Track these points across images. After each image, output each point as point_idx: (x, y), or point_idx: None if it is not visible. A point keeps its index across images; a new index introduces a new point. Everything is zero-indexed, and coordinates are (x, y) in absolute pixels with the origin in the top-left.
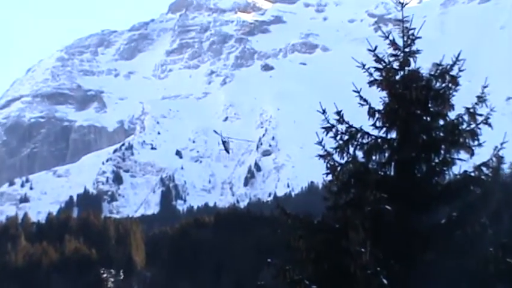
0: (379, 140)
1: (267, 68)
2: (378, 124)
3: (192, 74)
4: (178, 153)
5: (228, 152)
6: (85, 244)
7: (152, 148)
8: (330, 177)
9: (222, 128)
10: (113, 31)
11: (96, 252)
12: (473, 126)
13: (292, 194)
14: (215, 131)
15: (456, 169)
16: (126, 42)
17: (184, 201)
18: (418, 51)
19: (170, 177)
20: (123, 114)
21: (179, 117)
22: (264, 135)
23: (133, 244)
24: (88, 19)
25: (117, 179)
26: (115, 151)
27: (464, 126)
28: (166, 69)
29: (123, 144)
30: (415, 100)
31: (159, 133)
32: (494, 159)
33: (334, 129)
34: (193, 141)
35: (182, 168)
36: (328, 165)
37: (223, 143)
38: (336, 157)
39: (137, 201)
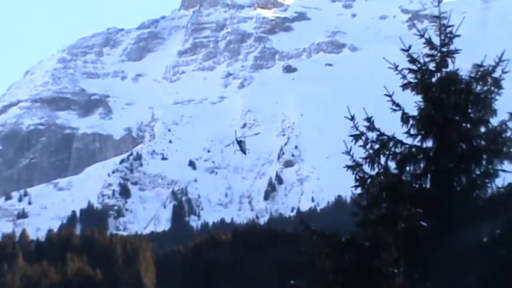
0: (414, 149)
1: (289, 69)
2: (412, 132)
3: (207, 76)
4: (192, 164)
5: (244, 152)
6: (89, 264)
7: (163, 158)
8: (359, 190)
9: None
10: (119, 29)
11: (101, 273)
12: None
13: (318, 208)
14: (236, 139)
15: (499, 181)
16: (134, 41)
17: (199, 216)
18: (456, 51)
19: (183, 191)
20: (131, 121)
21: (192, 124)
22: (286, 143)
23: (143, 264)
24: (92, 16)
25: (125, 193)
26: (122, 161)
27: (509, 133)
28: (179, 71)
29: (130, 154)
30: (454, 105)
31: (170, 142)
32: None
33: (363, 137)
34: (208, 151)
35: (196, 180)
36: (357, 177)
37: (239, 143)
38: (366, 168)
39: (146, 216)
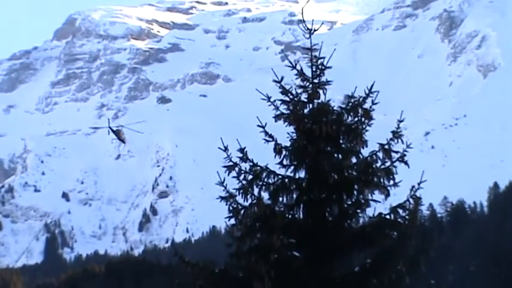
0: (287, 180)
1: (163, 100)
2: (285, 162)
3: (80, 107)
4: (65, 196)
5: (123, 141)
6: None
7: (36, 190)
8: (232, 220)
9: (114, 166)
10: None
11: None
12: (388, 164)
13: (192, 239)
14: (109, 127)
15: (370, 211)
16: (6, 72)
17: (72, 249)
18: (328, 82)
19: (56, 223)
20: (2, 153)
21: (66, 156)
22: (160, 175)
23: None
24: None
25: None
26: None
27: (379, 164)
28: (52, 102)
29: (2, 186)
30: (325, 136)
31: (43, 173)
32: (411, 200)
33: (237, 168)
34: (82, 182)
35: (69, 212)
36: (231, 207)
37: (114, 132)
38: (240, 199)
39: (19, 249)
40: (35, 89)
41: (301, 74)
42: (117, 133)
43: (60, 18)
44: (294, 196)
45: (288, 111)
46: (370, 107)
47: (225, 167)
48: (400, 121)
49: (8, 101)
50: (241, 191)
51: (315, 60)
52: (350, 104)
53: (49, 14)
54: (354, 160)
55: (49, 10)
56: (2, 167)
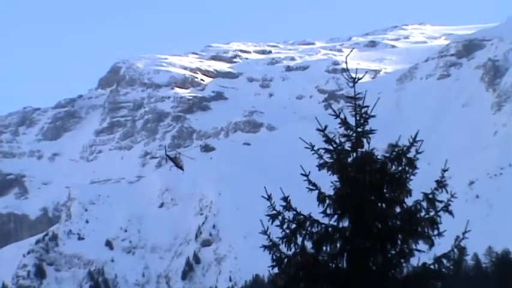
0: (330, 229)
1: (207, 148)
2: (328, 211)
3: (124, 155)
4: (109, 244)
5: (182, 169)
6: None
7: (79, 238)
8: (276, 269)
9: (158, 214)
10: (35, 108)
11: None
12: (432, 214)
13: None
14: (165, 152)
15: (414, 261)
16: (51, 120)
17: None
18: (372, 131)
19: (99, 271)
20: (47, 201)
21: (109, 204)
22: (203, 223)
23: None
24: (7, 95)
25: (40, 273)
26: (37, 242)
27: (423, 213)
28: (96, 150)
29: (46, 234)
30: (369, 185)
31: (87, 221)
32: (455, 250)
33: (280, 217)
34: (125, 231)
35: (113, 260)
36: (274, 256)
37: (172, 159)
38: (283, 248)
39: None
40: (80, 137)
41: (344, 122)
42: (175, 160)
43: (105, 67)
44: (338, 245)
45: (332, 160)
46: (414, 156)
47: (268, 215)
48: (445, 170)
49: (53, 149)
50: (285, 239)
51: (358, 109)
52: (394, 153)
53: (94, 63)
54: (397, 209)
55: (94, 58)
56: (47, 215)
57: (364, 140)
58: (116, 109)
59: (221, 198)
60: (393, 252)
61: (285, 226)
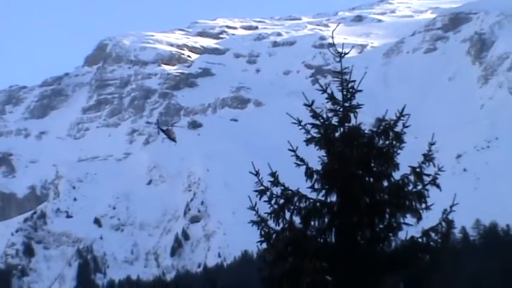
0: (318, 204)
1: (194, 125)
2: (316, 186)
3: (112, 132)
4: (97, 222)
5: (175, 141)
6: None
7: (68, 216)
8: (264, 245)
9: (146, 191)
10: (22, 87)
11: None
12: (420, 187)
13: (224, 264)
14: (156, 123)
15: (402, 235)
16: (37, 99)
17: (105, 274)
18: (359, 106)
19: (88, 249)
20: (35, 179)
21: (97, 181)
22: (192, 199)
23: None
24: None
25: (29, 252)
26: (26, 220)
27: (411, 187)
28: (83, 128)
29: (34, 213)
30: (357, 159)
31: (75, 199)
32: (443, 223)
33: (268, 193)
34: (114, 208)
35: (101, 238)
36: (263, 232)
37: (164, 131)
38: (271, 223)
39: (51, 275)
40: (67, 115)
41: (332, 97)
42: (167, 132)
43: (91, 44)
44: (326, 220)
45: (319, 135)
46: (402, 130)
47: (256, 191)
48: (432, 144)
49: (40, 127)
50: (273, 215)
51: (345, 84)
52: (381, 127)
53: (80, 40)
54: (385, 183)
55: (80, 36)
56: (34, 193)
57: (351, 115)
58: (103, 86)
59: (209, 174)
60: (381, 226)
61: (273, 201)
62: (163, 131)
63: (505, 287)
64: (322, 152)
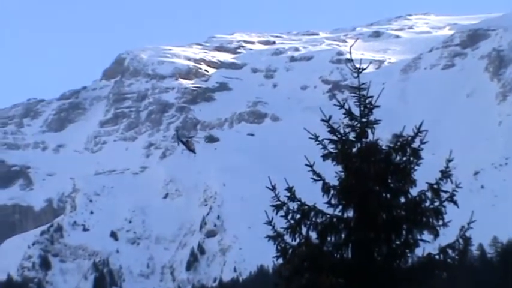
0: (335, 219)
1: (211, 139)
2: (333, 202)
3: (129, 146)
4: (113, 235)
5: (194, 152)
6: None
7: (84, 229)
8: (280, 260)
9: (162, 205)
10: (40, 100)
11: None
12: (437, 204)
13: (240, 279)
14: (176, 134)
15: (419, 251)
16: (55, 112)
17: None
18: (376, 122)
19: (104, 262)
20: (52, 192)
21: (114, 195)
22: (208, 214)
23: None
24: (12, 86)
25: (45, 264)
26: (42, 233)
27: (428, 204)
28: (100, 141)
29: (51, 225)
30: (374, 175)
31: (91, 212)
32: (460, 240)
33: (285, 208)
34: (130, 221)
35: (117, 251)
36: (279, 247)
37: (184, 143)
38: (287, 238)
39: None
40: (84, 128)
41: (349, 113)
42: (187, 144)
43: (109, 58)
44: (342, 236)
45: (336, 150)
46: (419, 146)
47: (273, 206)
48: (449, 160)
49: (57, 140)
50: (289, 230)
51: (363, 99)
52: (398, 143)
53: (97, 54)
54: (402, 200)
55: (98, 50)
56: (51, 206)
57: (369, 130)
58: (120, 100)
59: (225, 188)
60: (398, 242)
61: (289, 216)
62: (183, 142)
63: None
64: (339, 168)
